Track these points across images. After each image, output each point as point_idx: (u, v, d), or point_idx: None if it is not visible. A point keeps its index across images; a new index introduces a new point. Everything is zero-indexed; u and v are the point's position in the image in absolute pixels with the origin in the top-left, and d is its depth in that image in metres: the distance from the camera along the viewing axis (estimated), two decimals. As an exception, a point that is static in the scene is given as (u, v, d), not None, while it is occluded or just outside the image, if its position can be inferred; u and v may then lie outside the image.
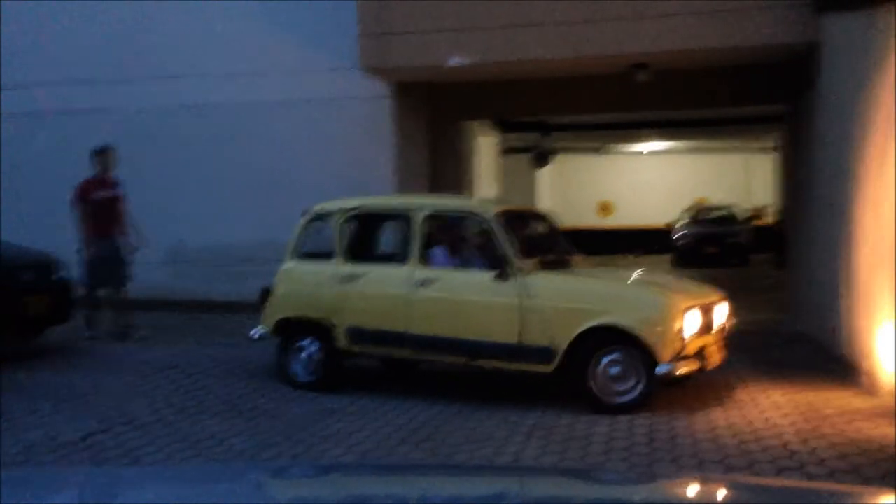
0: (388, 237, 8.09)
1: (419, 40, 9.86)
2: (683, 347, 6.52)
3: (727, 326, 7.23)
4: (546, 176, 23.51)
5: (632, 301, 6.84)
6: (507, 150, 19.01)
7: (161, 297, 11.55)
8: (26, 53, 12.05)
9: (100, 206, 9.36)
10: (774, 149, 21.17)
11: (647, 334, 6.47)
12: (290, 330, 7.59)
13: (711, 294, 7.23)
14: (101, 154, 9.50)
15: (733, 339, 10.02)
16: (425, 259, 7.23)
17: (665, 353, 6.44)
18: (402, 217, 7.60)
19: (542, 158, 21.35)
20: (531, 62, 9.96)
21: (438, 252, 7.40)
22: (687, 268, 19.83)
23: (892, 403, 6.41)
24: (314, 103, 11.53)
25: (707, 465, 5.38)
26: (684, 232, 21.49)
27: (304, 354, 7.49)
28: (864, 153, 7.23)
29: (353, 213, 7.63)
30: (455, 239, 7.55)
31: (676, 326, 6.48)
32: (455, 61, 9.81)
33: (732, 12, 9.13)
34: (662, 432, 6.07)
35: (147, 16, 11.96)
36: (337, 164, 11.31)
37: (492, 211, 7.13)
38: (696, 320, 6.63)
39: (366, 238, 7.94)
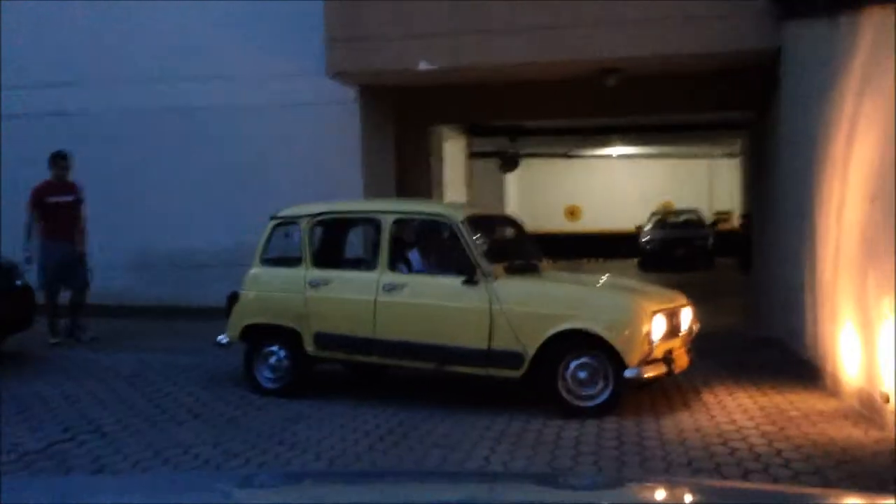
0: (355, 242, 8.06)
1: (387, 45, 9.85)
2: (651, 351, 6.57)
3: (693, 330, 7.30)
4: (514, 180, 23.62)
5: (599, 305, 6.88)
6: (476, 155, 19.06)
7: (129, 303, 11.42)
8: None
9: (55, 211, 9.30)
10: (738, 154, 21.50)
11: (614, 338, 6.52)
12: (257, 336, 7.54)
13: (677, 298, 7.30)
14: (56, 160, 9.45)
15: (700, 343, 10.14)
16: (393, 264, 7.21)
17: (633, 357, 6.49)
18: (369, 222, 7.59)
19: (510, 163, 21.43)
20: (500, 67, 9.99)
21: (410, 256, 7.39)
22: (654, 271, 20.00)
23: (855, 405, 6.53)
24: (283, 107, 11.48)
25: (675, 467, 5.42)
26: (651, 236, 21.69)
27: (271, 360, 7.44)
28: (827, 158, 7.35)
29: (320, 218, 7.60)
30: (423, 244, 7.54)
31: (644, 330, 6.53)
32: (423, 66, 9.82)
33: (698, 19, 9.24)
34: (631, 435, 6.12)
35: (116, 19, 11.82)
36: (306, 168, 11.26)
37: (459, 216, 7.12)
38: (663, 324, 6.68)
39: (333, 243, 7.90)
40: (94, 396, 7.16)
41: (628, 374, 6.49)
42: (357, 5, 9.87)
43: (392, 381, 7.90)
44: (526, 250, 7.90)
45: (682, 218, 22.99)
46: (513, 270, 7.12)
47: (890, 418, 5.84)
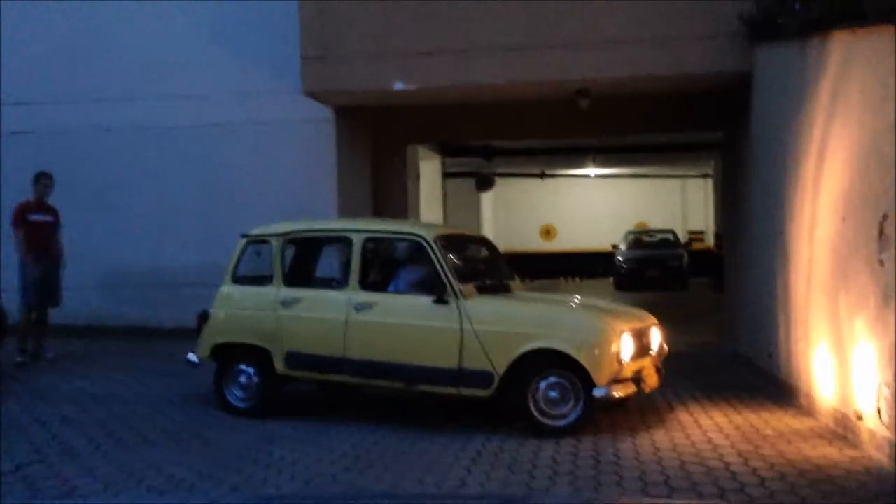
0: (327, 261, 8.04)
1: (362, 64, 9.87)
2: (620, 370, 6.59)
3: (663, 350, 7.33)
4: (490, 200, 23.70)
5: (569, 325, 6.89)
6: (450, 174, 19.10)
7: (101, 323, 11.29)
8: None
9: (36, 229, 9.38)
10: (711, 175, 21.74)
11: (584, 357, 6.53)
12: (228, 355, 7.49)
13: (646, 318, 7.34)
14: (40, 179, 9.56)
15: (674, 361, 10.18)
16: (364, 283, 7.18)
17: (602, 377, 6.50)
18: (341, 241, 7.59)
19: (485, 183, 21.50)
20: (475, 87, 10.05)
21: (381, 276, 7.37)
22: (629, 291, 20.13)
23: (830, 424, 6.58)
24: (259, 126, 11.46)
25: (651, 486, 5.43)
26: (626, 255, 21.81)
27: (241, 380, 7.40)
28: (797, 179, 7.45)
29: (291, 236, 7.58)
30: (394, 263, 7.53)
31: (613, 349, 6.55)
32: (399, 86, 9.85)
33: (670, 41, 9.36)
34: (607, 455, 6.11)
35: (91, 36, 11.75)
36: (281, 186, 11.23)
37: (431, 235, 7.12)
38: (632, 344, 6.70)
39: (305, 262, 7.89)
40: (64, 417, 7.05)
41: (597, 393, 6.50)
42: (332, 25, 9.88)
43: (367, 401, 7.86)
44: (498, 270, 7.93)
45: (657, 238, 23.16)
46: (484, 290, 7.14)
47: (864, 437, 5.89)
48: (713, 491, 5.30)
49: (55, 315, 9.76)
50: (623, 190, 25.33)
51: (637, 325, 6.99)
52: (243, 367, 7.39)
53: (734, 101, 10.01)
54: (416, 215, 13.01)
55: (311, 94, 10.27)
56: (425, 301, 6.87)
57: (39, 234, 9.40)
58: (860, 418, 5.94)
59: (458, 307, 6.77)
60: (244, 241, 7.66)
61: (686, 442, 6.41)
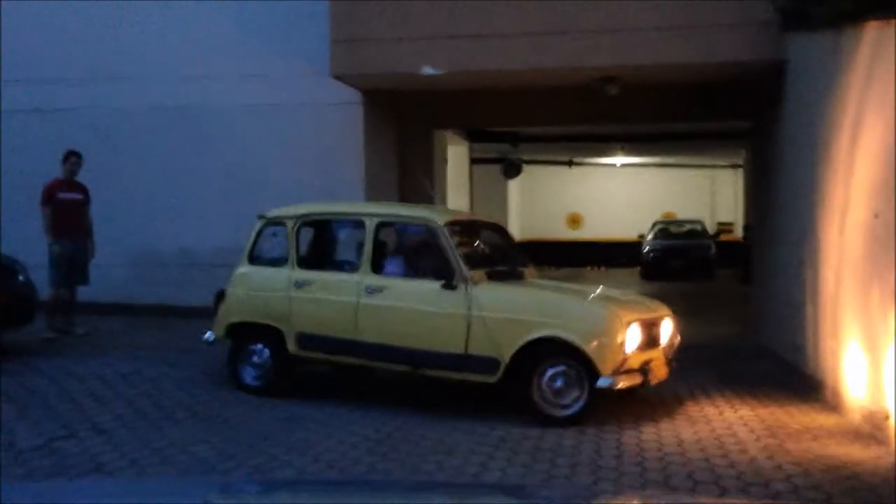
0: (340, 244, 8.08)
1: (390, 48, 9.85)
2: (625, 361, 6.54)
3: (675, 342, 7.27)
4: (516, 187, 23.62)
5: (574, 314, 6.84)
6: (478, 161, 19.05)
7: (128, 302, 11.40)
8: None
9: (65, 208, 9.47)
10: (740, 166, 21.51)
11: (588, 347, 6.50)
12: (242, 334, 7.61)
13: (658, 309, 7.28)
14: (69, 157, 9.64)
15: (699, 353, 10.11)
16: (376, 267, 7.24)
17: (606, 367, 6.47)
18: (354, 224, 7.65)
19: (512, 169, 21.43)
20: (502, 73, 10.00)
21: (393, 260, 7.43)
22: (655, 281, 20.00)
23: (857, 420, 6.50)
24: (285, 108, 11.47)
25: (674, 479, 5.40)
26: (653, 245, 21.68)
27: (254, 359, 7.52)
28: (830, 171, 7.34)
29: (306, 219, 7.66)
30: (405, 247, 7.57)
31: (618, 340, 6.51)
32: (426, 71, 9.81)
33: (701, 29, 9.24)
34: (630, 446, 6.09)
35: (118, 17, 11.80)
36: (307, 169, 11.24)
37: (441, 220, 7.14)
38: (639, 334, 6.65)
39: (318, 244, 7.95)
40: (92, 394, 7.14)
41: (601, 383, 6.47)
42: (361, 9, 9.87)
43: (388, 386, 7.88)
44: (511, 257, 7.94)
45: (685, 228, 22.99)
46: (494, 276, 7.13)
47: (891, 434, 5.82)
48: (737, 485, 5.26)
49: (82, 292, 9.88)
50: (651, 179, 25.14)
51: (647, 315, 6.94)
52: (257, 346, 7.50)
53: (764, 90, 9.88)
54: (443, 201, 13.00)
55: (339, 77, 10.26)
56: (434, 286, 6.90)
57: (69, 212, 9.49)
58: (886, 417, 5.86)
59: (466, 293, 6.78)
60: (261, 222, 7.77)
61: (711, 435, 6.37)
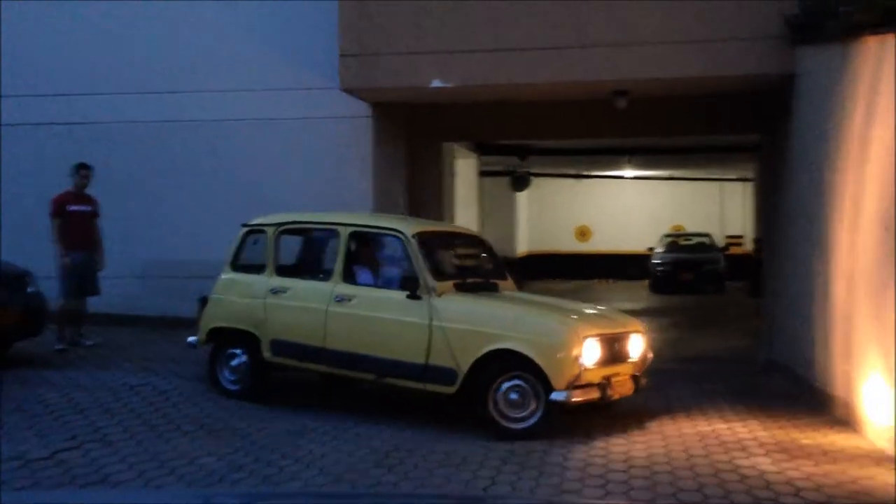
0: (315, 253, 8.19)
1: (400, 62, 9.88)
2: (580, 375, 6.50)
3: (646, 358, 7.24)
4: (525, 200, 23.61)
5: (531, 327, 6.82)
6: (486, 173, 19.06)
7: (139, 313, 11.42)
8: (4, 64, 11.93)
9: (75, 220, 9.52)
10: (750, 179, 21.45)
11: (543, 360, 6.49)
12: (222, 339, 7.83)
13: (626, 324, 7.26)
14: (79, 170, 9.69)
15: (708, 367, 10.08)
16: (347, 276, 7.37)
17: (560, 380, 6.45)
18: (329, 233, 7.76)
19: (520, 182, 21.43)
20: (512, 86, 10.00)
21: (363, 269, 7.54)
22: (664, 294, 19.95)
23: (867, 435, 6.44)
24: (295, 122, 11.51)
25: (684, 493, 5.36)
26: (662, 258, 21.62)
27: (232, 363, 7.72)
28: (840, 183, 7.32)
29: (285, 227, 7.85)
30: (376, 257, 7.67)
31: (573, 354, 6.48)
32: (436, 84, 9.83)
33: (711, 42, 9.24)
34: (639, 460, 6.06)
35: (129, 31, 11.88)
36: (317, 182, 11.27)
37: (410, 231, 7.22)
38: (598, 349, 6.63)
39: (295, 253, 8.11)
40: (100, 405, 7.15)
41: (554, 396, 6.45)
42: (371, 22, 9.90)
43: (397, 399, 7.86)
44: (487, 269, 7.99)
45: (694, 241, 22.92)
46: (463, 288, 7.17)
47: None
48: (747, 500, 5.22)
49: (94, 304, 9.91)
50: (659, 192, 25.09)
51: (609, 330, 6.92)
52: (235, 351, 7.71)
53: (774, 103, 9.86)
54: (452, 214, 12.99)
55: (349, 91, 10.29)
56: (400, 296, 6.98)
57: (79, 224, 9.54)
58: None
59: (428, 303, 6.84)
60: (244, 229, 8.01)
61: (721, 448, 6.33)
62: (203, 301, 8.06)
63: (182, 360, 9.20)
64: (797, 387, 8.44)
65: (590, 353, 6.54)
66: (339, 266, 7.36)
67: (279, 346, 7.49)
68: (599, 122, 11.49)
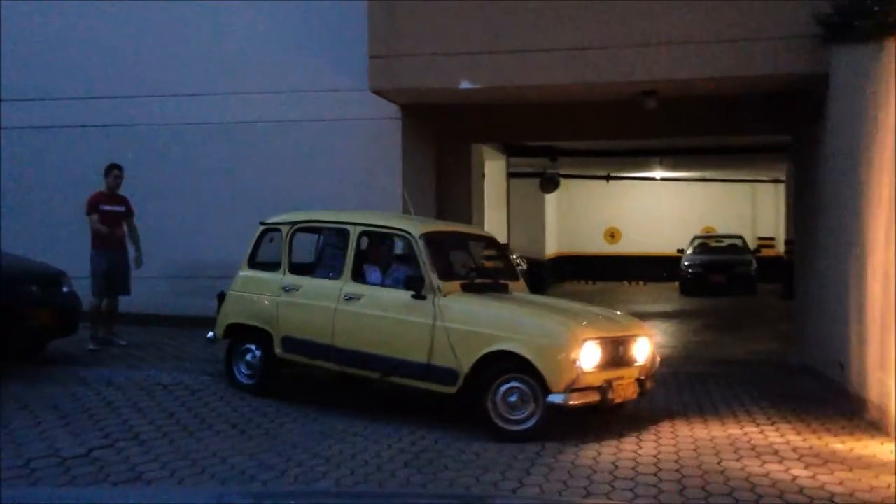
0: (327, 251, 8.26)
1: (429, 63, 9.90)
2: (578, 378, 6.46)
3: (653, 362, 7.18)
4: (554, 201, 23.54)
5: (530, 329, 6.80)
6: (515, 175, 19.03)
7: (171, 313, 11.54)
8: (35, 67, 12.13)
9: (107, 220, 9.66)
10: (782, 181, 21.22)
11: (541, 362, 6.48)
12: (238, 335, 8.02)
13: (631, 328, 7.22)
14: (111, 171, 9.85)
15: (739, 370, 9.98)
16: (357, 275, 7.45)
17: (558, 383, 6.43)
18: (340, 233, 7.84)
19: (550, 183, 21.36)
20: (540, 87, 9.98)
21: (372, 268, 7.61)
22: (694, 296, 19.79)
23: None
24: (324, 123, 11.57)
25: (715, 498, 5.32)
26: (692, 260, 21.44)
27: (247, 358, 7.92)
28: (874, 184, 7.21)
29: (299, 226, 8.03)
30: (385, 256, 7.74)
31: (571, 356, 6.45)
32: (465, 85, 9.84)
33: (742, 42, 9.15)
34: (669, 464, 6.02)
35: (162, 35, 12.03)
36: (346, 184, 11.32)
37: (418, 231, 7.27)
38: (598, 352, 6.59)
39: (308, 251, 8.21)
40: (133, 404, 7.24)
41: (551, 399, 6.42)
42: (400, 23, 9.93)
43: (424, 401, 7.88)
44: (498, 270, 8.02)
45: (725, 243, 22.70)
46: (469, 289, 7.19)
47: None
48: (778, 504, 5.17)
49: (127, 303, 10.04)
50: (690, 194, 24.89)
51: (611, 334, 6.89)
52: (250, 346, 7.90)
53: (807, 103, 9.75)
54: (481, 215, 13.00)
55: (378, 92, 10.33)
56: (405, 296, 7.04)
57: (111, 224, 9.67)
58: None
59: (433, 304, 6.89)
60: (261, 227, 8.19)
61: (752, 452, 6.27)
62: (221, 297, 8.25)
63: (213, 360, 9.27)
64: (830, 390, 8.33)
65: (589, 355, 6.53)
66: (348, 265, 7.47)
67: (290, 343, 7.64)
68: (628, 123, 11.43)
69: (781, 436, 6.76)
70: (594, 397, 6.55)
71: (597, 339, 6.64)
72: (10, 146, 12.03)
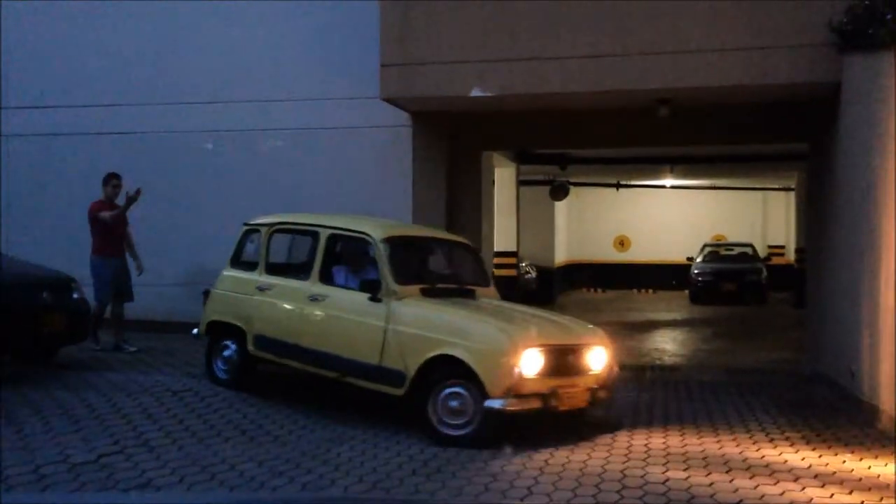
0: (299, 253, 8.43)
1: (440, 71, 9.91)
2: (517, 385, 6.45)
3: (610, 371, 7.14)
4: (564, 209, 23.52)
5: (473, 334, 6.81)
6: (525, 182, 19.02)
7: (179, 319, 11.56)
8: (41, 75, 12.21)
9: (107, 227, 9.72)
10: (792, 189, 21.15)
11: (480, 367, 6.51)
12: (218, 331, 8.29)
13: (584, 336, 7.18)
14: (110, 180, 9.90)
15: (750, 379, 9.93)
16: (324, 276, 7.64)
17: (496, 389, 6.44)
18: (311, 234, 8.01)
19: (559, 191, 21.34)
20: (552, 95, 9.98)
21: (338, 270, 7.76)
22: (704, 304, 19.72)
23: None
24: (335, 131, 11.60)
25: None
26: (702, 268, 21.37)
27: (225, 353, 8.23)
28: (887, 192, 7.18)
29: (276, 227, 8.30)
30: (350, 259, 7.88)
31: (510, 363, 6.46)
32: (476, 93, 9.85)
33: (755, 50, 9.13)
34: (678, 474, 5.98)
35: (169, 41, 12.09)
36: (357, 191, 11.34)
37: (380, 235, 7.42)
38: (541, 360, 6.58)
39: (283, 252, 8.47)
40: (143, 409, 7.25)
41: (489, 404, 6.43)
42: (412, 31, 9.95)
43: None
44: (467, 275, 8.06)
45: (735, 251, 22.63)
46: (429, 293, 7.29)
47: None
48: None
49: (135, 310, 10.07)
50: (700, 202, 24.83)
51: (558, 342, 6.89)
52: (228, 342, 8.18)
53: (819, 111, 9.72)
54: (491, 222, 12.99)
55: (389, 100, 10.36)
56: (363, 298, 7.19)
57: (111, 232, 9.69)
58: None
59: (387, 306, 7.03)
60: (244, 228, 8.48)
61: (761, 463, 6.22)
62: (206, 294, 8.55)
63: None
64: (842, 399, 8.28)
65: (530, 362, 6.53)
66: (316, 266, 7.66)
67: (261, 341, 7.89)
68: (640, 131, 11.41)
69: (790, 444, 6.71)
70: (535, 404, 6.56)
71: (540, 346, 6.66)
72: (21, 153, 12.11)
